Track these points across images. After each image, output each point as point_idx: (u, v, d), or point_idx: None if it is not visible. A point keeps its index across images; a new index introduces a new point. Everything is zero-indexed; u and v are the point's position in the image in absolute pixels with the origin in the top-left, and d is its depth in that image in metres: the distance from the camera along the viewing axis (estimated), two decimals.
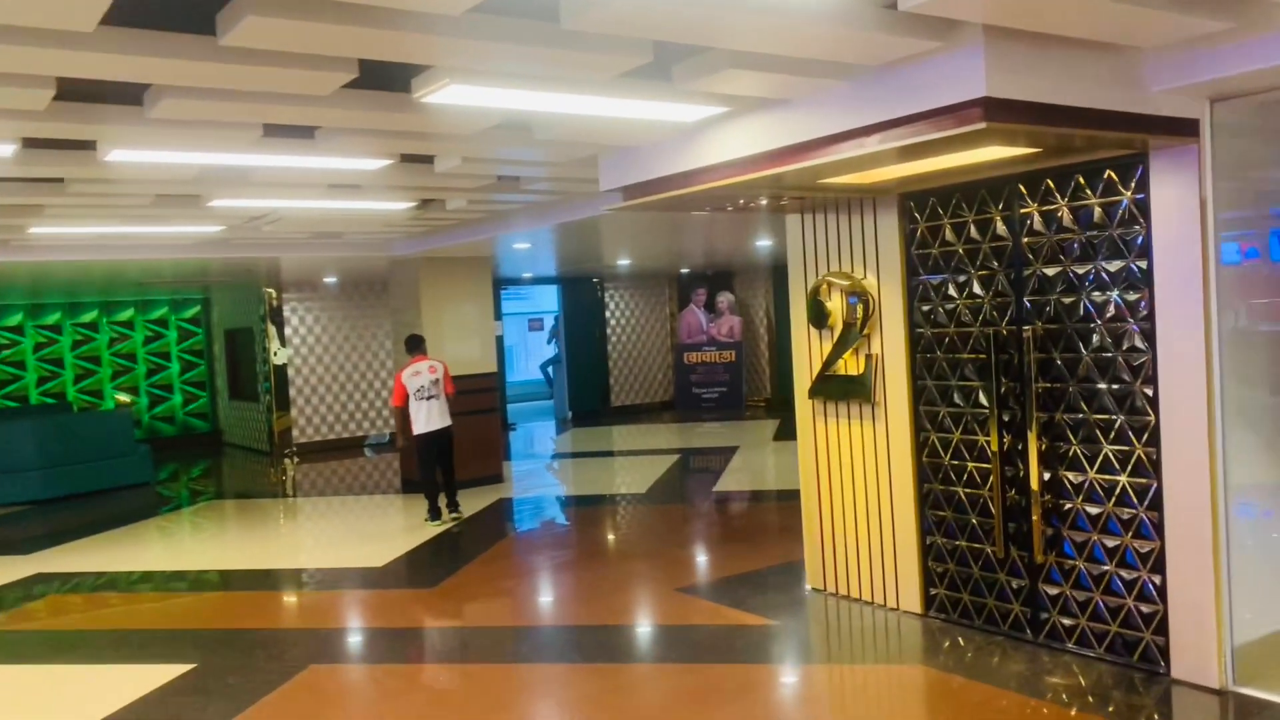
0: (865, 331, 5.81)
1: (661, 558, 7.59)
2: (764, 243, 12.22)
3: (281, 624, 6.61)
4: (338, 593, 7.17)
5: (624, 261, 14.91)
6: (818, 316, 6.08)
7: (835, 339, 6.00)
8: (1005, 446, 5.13)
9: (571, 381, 18.49)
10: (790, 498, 9.34)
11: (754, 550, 7.51)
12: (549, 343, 21.26)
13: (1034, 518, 4.96)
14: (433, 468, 9.18)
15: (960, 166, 4.81)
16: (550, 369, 20.18)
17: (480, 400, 11.05)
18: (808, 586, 6.36)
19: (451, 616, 6.59)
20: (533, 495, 10.83)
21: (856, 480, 5.99)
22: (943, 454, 5.50)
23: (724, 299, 18.87)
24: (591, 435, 15.95)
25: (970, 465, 5.37)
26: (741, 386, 18.63)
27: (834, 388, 6.01)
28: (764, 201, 5.63)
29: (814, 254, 6.15)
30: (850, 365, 5.94)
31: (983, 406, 5.26)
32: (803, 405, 6.32)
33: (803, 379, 6.29)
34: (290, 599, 7.26)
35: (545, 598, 6.93)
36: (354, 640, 6.22)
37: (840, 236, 5.96)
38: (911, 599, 5.71)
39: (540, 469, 13.08)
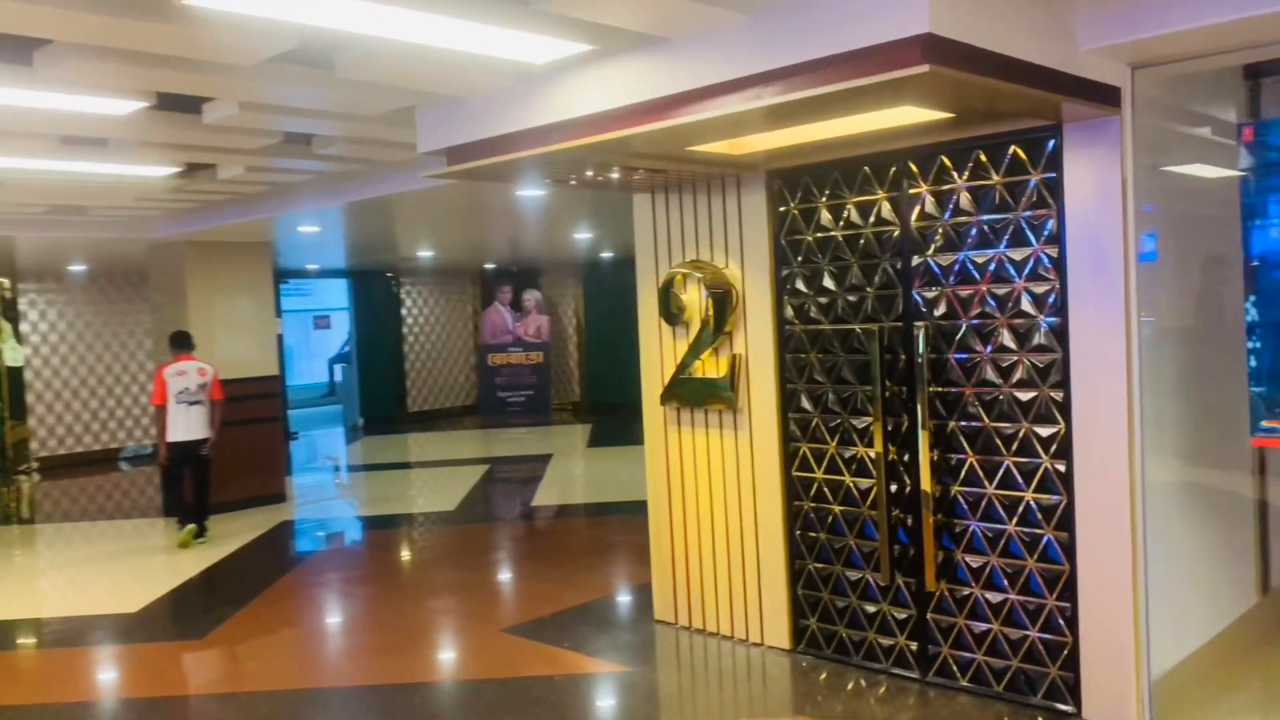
0: (727, 329, 5.07)
1: (480, 590, 6.60)
2: (582, 235, 11.40)
3: None
4: (78, 651, 5.74)
5: (424, 253, 13.70)
6: (671, 311, 5.30)
7: (692, 337, 5.23)
8: (891, 459, 4.52)
9: (363, 385, 17.00)
10: (619, 511, 8.57)
11: (588, 576, 6.66)
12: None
13: (925, 540, 4.36)
14: (180, 482, 8.06)
15: (844, 138, 4.16)
16: (338, 368, 18.55)
17: (259, 408, 9.62)
18: (656, 620, 5.56)
19: (224, 678, 5.35)
20: (321, 517, 9.53)
21: (715, 497, 5.24)
22: (816, 467, 4.84)
23: (531, 297, 17.96)
24: (387, 444, 14.63)
25: (849, 480, 4.72)
26: (549, 390, 17.76)
27: (690, 392, 5.25)
28: (615, 175, 4.79)
29: (667, 240, 5.36)
30: (709, 367, 5.19)
31: (865, 414, 4.63)
32: (652, 412, 5.52)
33: (652, 382, 5.50)
34: (13, 663, 5.76)
35: (341, 648, 5.80)
36: None
37: (698, 220, 5.21)
38: (779, 633, 5.01)
39: (329, 484, 11.69)
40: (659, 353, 5.45)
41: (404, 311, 17.53)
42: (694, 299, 5.23)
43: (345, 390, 17.45)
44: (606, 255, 15.73)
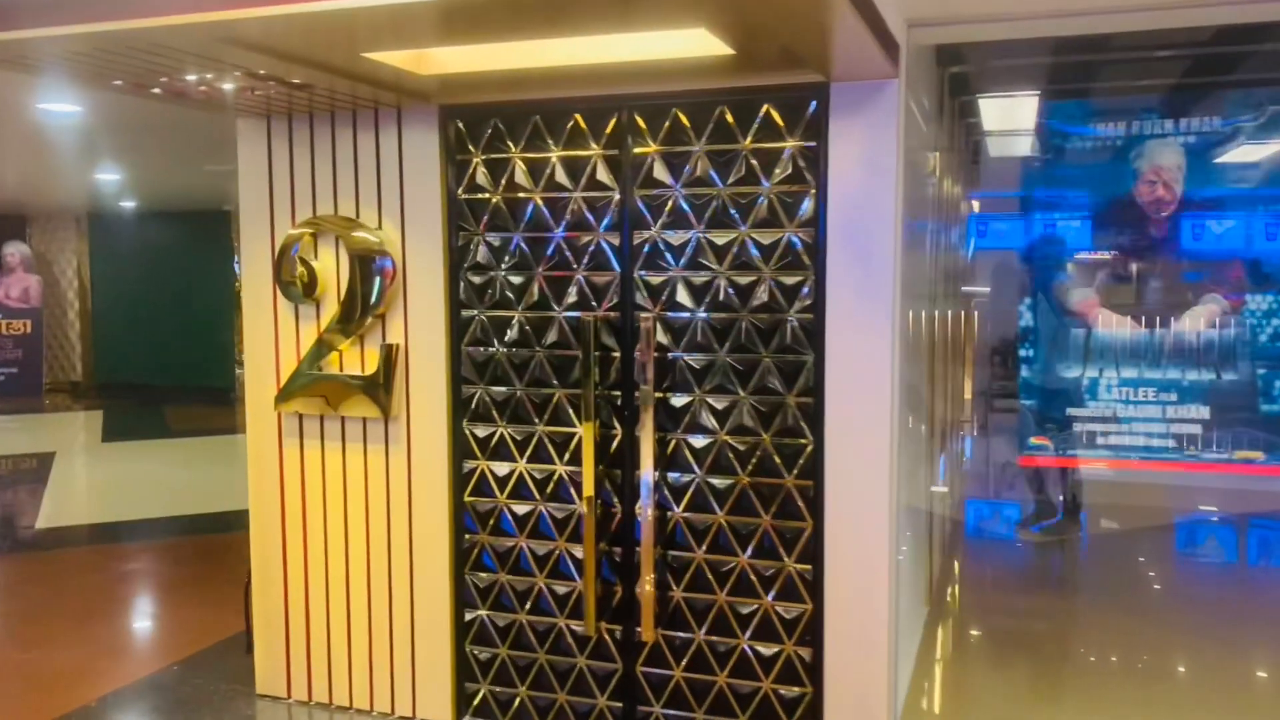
0: (378, 310, 3.86)
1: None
2: (107, 176, 9.04)
3: None
4: None
5: None
6: (292, 284, 3.94)
7: (326, 320, 3.93)
8: (598, 480, 3.65)
9: None
10: (169, 532, 6.78)
11: (144, 634, 4.98)
12: None
13: (643, 578, 3.56)
14: None
15: (556, 71, 3.20)
16: None
17: None
18: (260, 695, 4.18)
19: None
20: None
21: (354, 532, 4.00)
22: (498, 491, 3.82)
23: (15, 252, 14.49)
24: None
25: (543, 506, 3.77)
26: (40, 367, 14.47)
27: (322, 393, 3.94)
28: (229, 86, 3.35)
29: (290, 185, 3.98)
30: (351, 360, 3.93)
31: (567, 423, 3.71)
32: (260, 418, 4.11)
33: (260, 378, 4.08)
34: None
35: None
36: None
37: (339, 163, 3.90)
38: (437, 702, 3.93)
39: None
40: (273, 339, 4.05)
41: None
42: (329, 269, 3.93)
43: None
44: (128, 204, 13.03)
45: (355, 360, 3.93)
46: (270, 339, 4.05)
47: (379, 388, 3.86)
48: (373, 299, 3.85)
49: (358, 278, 3.85)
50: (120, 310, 14.64)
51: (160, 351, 14.41)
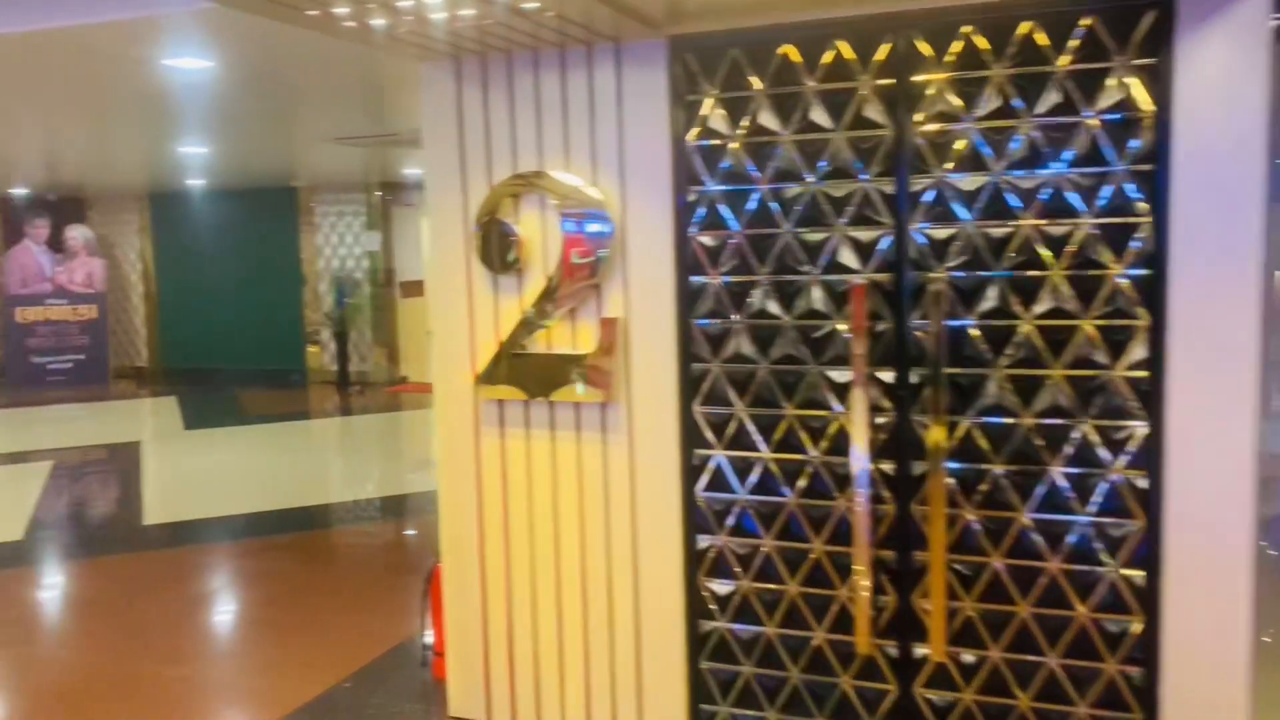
0: (595, 280, 3.33)
1: (131, 684, 4.19)
2: (193, 150, 8.54)
3: None
4: None
5: None
6: (497, 252, 3.42)
7: (533, 292, 3.41)
8: (873, 472, 3.11)
9: None
10: (291, 527, 6.32)
11: (299, 644, 4.52)
12: None
13: (934, 588, 3.02)
14: None
15: None
16: None
17: None
18: (452, 719, 3.70)
19: None
20: None
21: (565, 533, 3.49)
22: (739, 485, 3.30)
23: (77, 234, 14.11)
24: None
25: (794, 504, 3.24)
26: (107, 354, 14.13)
27: (528, 375, 3.43)
28: (438, 16, 2.82)
29: (485, 139, 3.45)
30: (561, 337, 3.41)
31: (823, 408, 3.17)
32: (453, 405, 3.60)
33: (454, 359, 3.57)
34: None
35: None
36: None
37: (545, 111, 3.36)
38: None
39: None
40: (467, 316, 3.53)
41: None
42: (533, 234, 3.40)
43: None
44: (194, 182, 12.59)
45: (566, 338, 3.41)
46: (464, 316, 3.54)
47: (596, 368, 3.34)
48: (586, 270, 3.32)
49: (571, 244, 3.32)
50: (185, 293, 14.25)
51: (227, 334, 14.01)
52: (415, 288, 14.10)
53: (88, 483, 8.21)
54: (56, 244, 13.97)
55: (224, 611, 5.07)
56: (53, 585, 5.46)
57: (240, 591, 5.29)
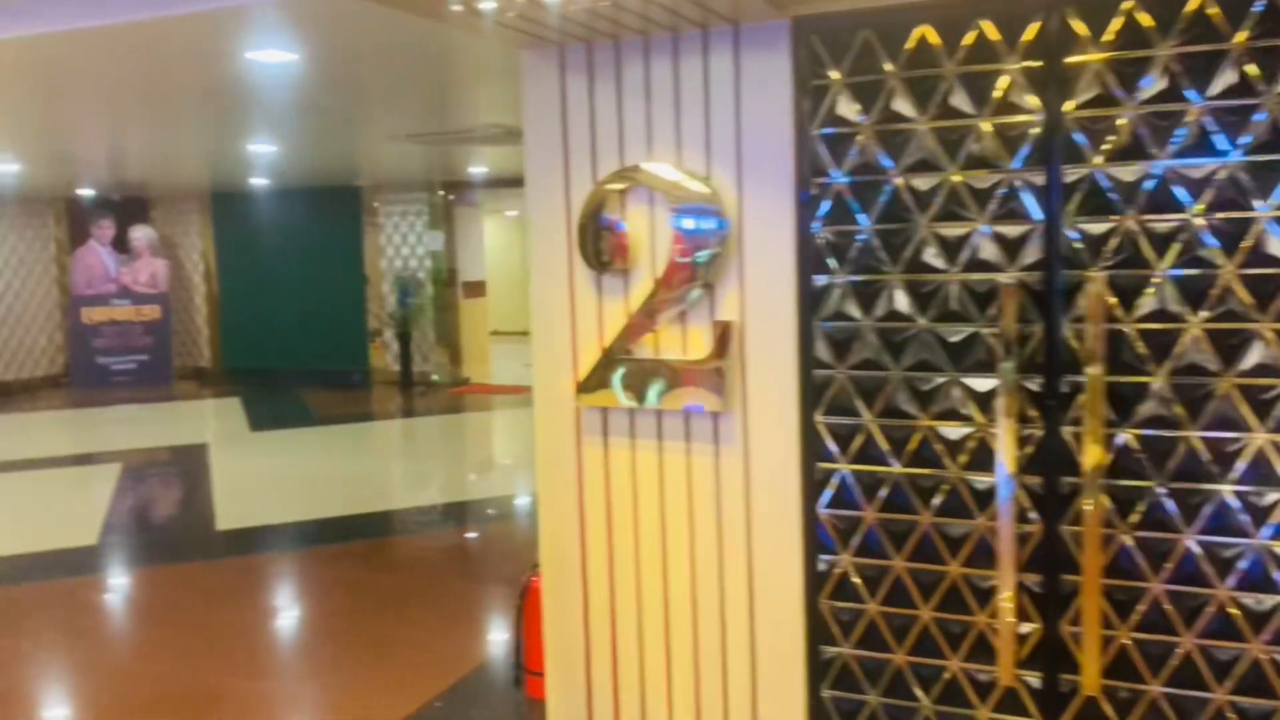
0: (708, 280, 3.11)
1: (211, 698, 4.07)
2: (262, 148, 8.48)
3: None
4: None
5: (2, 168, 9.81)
6: (598, 251, 3.22)
7: (641, 293, 3.21)
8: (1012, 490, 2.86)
9: None
10: (370, 532, 6.19)
11: (383, 660, 4.37)
12: None
13: (1088, 614, 2.77)
14: None
15: None
16: None
17: None
18: None
19: None
20: None
21: (673, 548, 3.28)
22: (865, 502, 3.06)
23: (141, 235, 14.21)
24: None
25: (926, 520, 3.00)
26: (170, 354, 14.22)
27: (635, 381, 3.22)
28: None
29: (590, 131, 3.25)
30: (670, 341, 3.20)
31: (962, 419, 2.92)
32: (554, 412, 3.40)
33: (554, 364, 3.38)
34: None
35: None
36: None
37: (655, 100, 3.16)
38: None
39: None
40: (569, 318, 3.34)
41: None
42: (642, 232, 3.20)
43: None
44: (258, 183, 12.59)
45: (675, 342, 3.20)
46: (565, 318, 3.34)
47: (710, 375, 3.12)
48: (700, 269, 3.11)
49: (682, 242, 3.11)
50: (247, 293, 14.29)
51: (289, 335, 14.01)
52: (477, 288, 14.01)
53: (158, 486, 8.18)
54: (121, 245, 14.08)
55: (304, 622, 4.94)
56: (128, 593, 5.38)
57: (319, 601, 5.16)
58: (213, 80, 5.02)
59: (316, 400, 11.90)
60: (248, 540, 6.25)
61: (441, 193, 13.08)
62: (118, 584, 5.49)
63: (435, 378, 13.12)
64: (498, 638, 4.28)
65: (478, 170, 11.46)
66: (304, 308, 13.86)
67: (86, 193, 13.59)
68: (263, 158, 8.97)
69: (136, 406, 12.12)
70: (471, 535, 6.52)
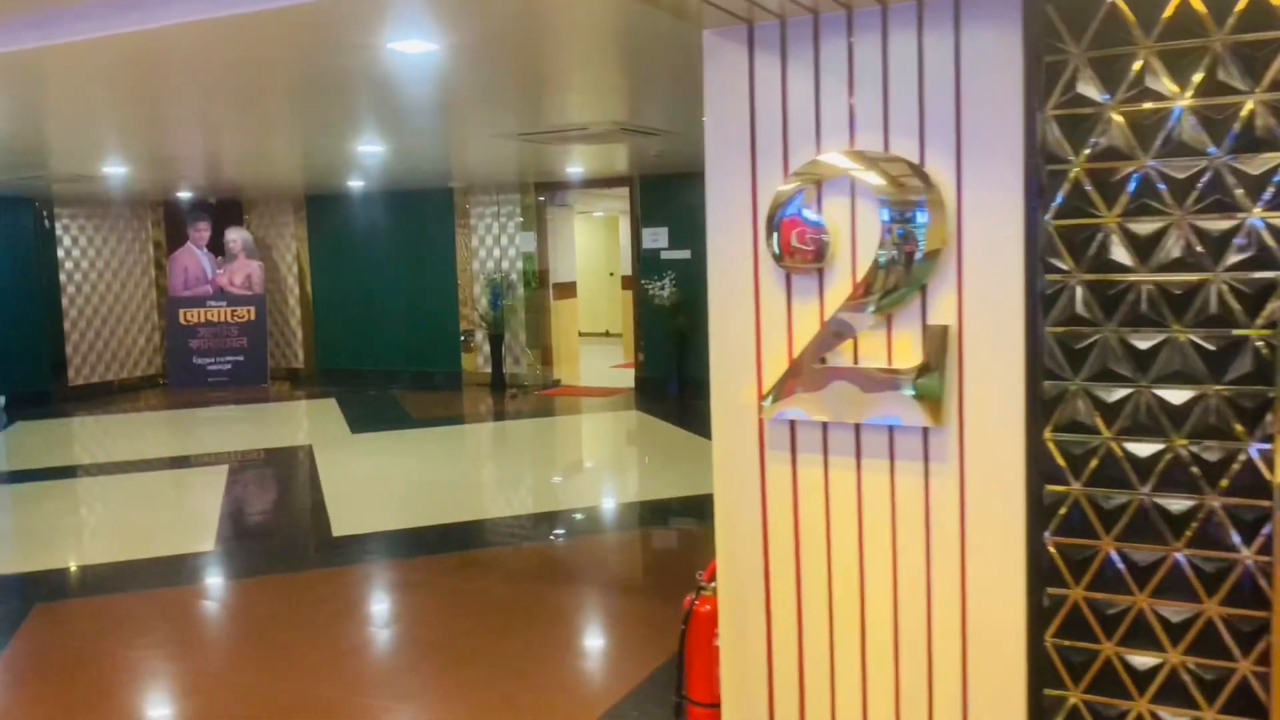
0: (920, 280, 2.79)
1: (338, 718, 3.87)
2: (370, 148, 8.35)
3: None
4: None
5: (114, 170, 9.86)
6: (790, 247, 2.93)
7: (838, 294, 2.90)
8: None
9: (4, 350, 12.59)
10: (501, 538, 5.98)
11: (522, 683, 4.13)
12: None
13: None
14: None
15: None
16: None
17: None
18: None
19: None
20: None
21: (873, 577, 2.97)
22: (1102, 530, 2.72)
23: (237, 237, 14.31)
24: (50, 435, 10.70)
25: (1179, 554, 2.64)
26: (265, 355, 14.29)
27: (832, 393, 2.92)
28: None
29: (782, 116, 2.95)
30: (872, 348, 2.89)
31: (1226, 438, 2.56)
32: (735, 424, 3.11)
33: (738, 372, 3.09)
34: None
35: None
36: None
37: (859, 79, 2.85)
38: None
39: None
40: (753, 320, 3.05)
41: (61, 252, 13.22)
42: (841, 225, 2.89)
43: None
44: (354, 185, 12.56)
45: (878, 348, 2.88)
46: (749, 322, 3.05)
47: (922, 385, 2.80)
48: (911, 266, 2.79)
49: (892, 240, 2.80)
50: (340, 295, 14.30)
51: (381, 336, 13.99)
52: (568, 289, 13.82)
53: (267, 489, 8.10)
54: (216, 247, 14.19)
55: (432, 640, 4.72)
56: (250, 602, 5.24)
57: (446, 616, 4.95)
58: (343, 76, 4.82)
59: (411, 402, 11.81)
60: (365, 547, 6.08)
61: (535, 194, 12.92)
62: (238, 593, 5.35)
63: (527, 381, 12.96)
64: (648, 662, 4.02)
65: (574, 170, 11.25)
66: (396, 309, 13.81)
67: (185, 195, 13.71)
68: (369, 158, 8.85)
69: (234, 407, 12.16)
70: (599, 544, 6.27)
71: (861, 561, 2.98)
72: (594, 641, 4.53)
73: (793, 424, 3.02)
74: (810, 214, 2.92)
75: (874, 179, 2.82)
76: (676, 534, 6.43)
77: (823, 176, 2.90)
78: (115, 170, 9.62)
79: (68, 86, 5.18)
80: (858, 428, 2.94)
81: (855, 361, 2.91)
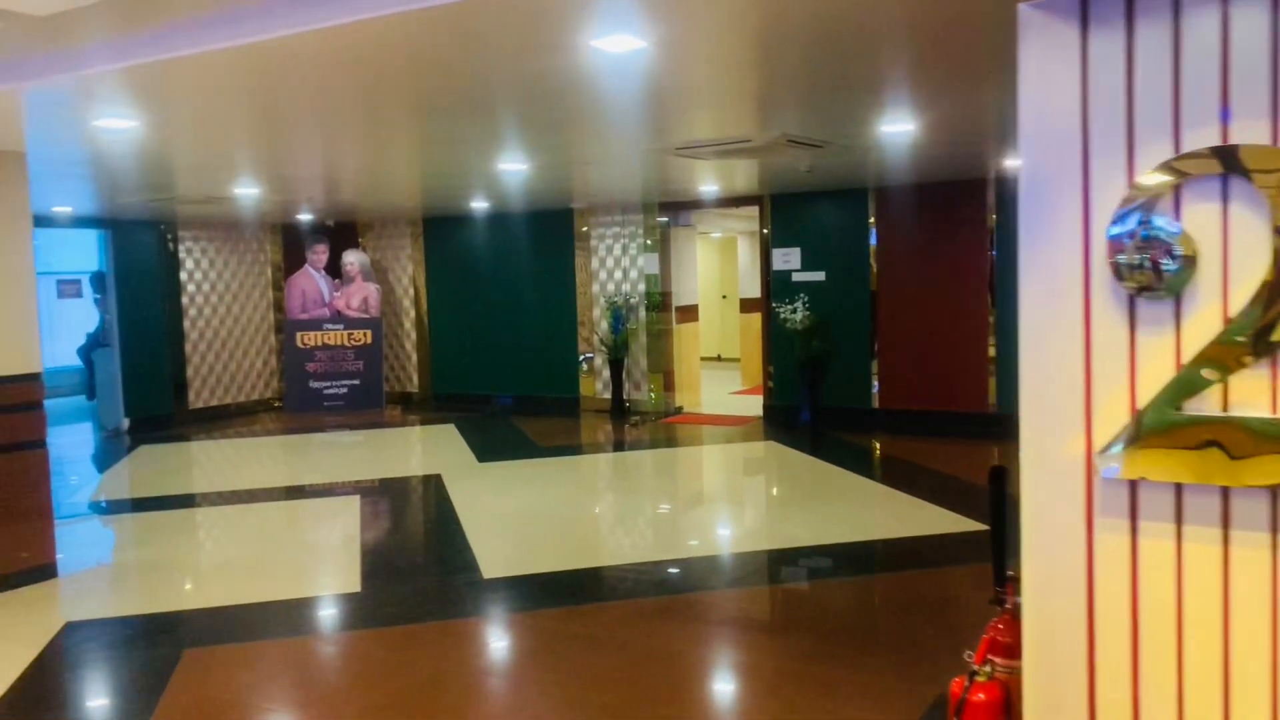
0: None
1: None
2: (513, 166, 7.97)
3: None
4: None
5: (248, 190, 9.72)
6: (1132, 269, 2.37)
7: (1203, 325, 2.33)
8: None
9: (128, 374, 12.62)
10: (656, 584, 5.42)
11: None
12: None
13: None
14: None
15: None
16: (91, 354, 13.82)
17: (12, 424, 5.76)
18: None
19: None
20: (136, 614, 5.67)
21: (1242, 681, 2.37)
22: None
23: (353, 260, 14.19)
24: (172, 459, 10.57)
25: None
26: (381, 379, 14.11)
27: (1192, 448, 2.34)
28: None
29: (1129, 107, 2.41)
30: (1249, 391, 2.31)
31: None
32: (1053, 480, 2.55)
33: (1060, 417, 2.53)
34: None
35: None
36: None
37: (1235, 59, 2.29)
38: None
39: (114, 536, 7.68)
40: (1081, 354, 2.49)
41: (184, 275, 13.24)
42: (1208, 238, 2.33)
43: (104, 381, 12.92)
44: (473, 205, 12.31)
45: (1260, 393, 2.30)
46: (1076, 356, 2.49)
47: None
48: None
49: None
50: (456, 318, 14.05)
51: (498, 361, 13.69)
52: (690, 313, 13.35)
53: (404, 523, 7.75)
54: (334, 269, 14.10)
55: (619, 704, 4.21)
56: (415, 653, 4.80)
57: (640, 674, 4.41)
58: (534, 80, 4.37)
59: (532, 429, 11.43)
60: (522, 592, 5.63)
61: (657, 215, 12.50)
62: (401, 643, 4.93)
63: (647, 407, 12.50)
64: None
65: (705, 188, 10.78)
66: (514, 334, 13.50)
67: (304, 218, 13.66)
68: (510, 176, 8.49)
69: (354, 433, 11.94)
70: (785, 596, 5.72)
71: (1227, 664, 2.38)
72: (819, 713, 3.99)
73: (1134, 484, 2.45)
74: (1164, 223, 2.36)
75: (1260, 178, 2.25)
76: (875, 582, 5.83)
77: (1184, 176, 2.34)
78: (245, 191, 9.49)
79: (197, 100, 4.88)
80: (1225, 491, 2.36)
81: (1225, 409, 2.34)
